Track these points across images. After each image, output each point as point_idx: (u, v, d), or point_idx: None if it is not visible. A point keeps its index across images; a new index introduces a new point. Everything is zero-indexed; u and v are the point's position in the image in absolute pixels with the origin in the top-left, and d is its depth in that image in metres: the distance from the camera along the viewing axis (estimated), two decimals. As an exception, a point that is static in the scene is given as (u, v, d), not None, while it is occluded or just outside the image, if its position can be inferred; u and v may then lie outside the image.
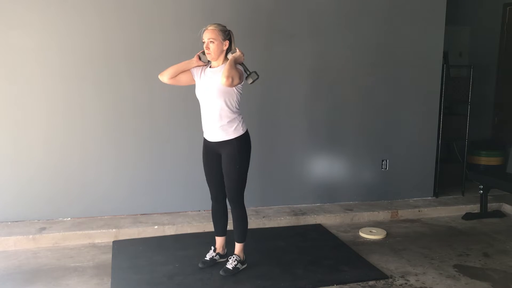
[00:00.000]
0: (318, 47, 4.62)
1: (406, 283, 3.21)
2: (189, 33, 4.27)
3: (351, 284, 3.17)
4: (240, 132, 3.18)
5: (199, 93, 3.22)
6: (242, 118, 3.23)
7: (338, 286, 3.15)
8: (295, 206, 4.75)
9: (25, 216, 4.14)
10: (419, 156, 5.07)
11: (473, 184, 5.26)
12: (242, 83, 3.12)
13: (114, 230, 4.00)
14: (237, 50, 3.11)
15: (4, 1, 3.87)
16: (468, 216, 4.70)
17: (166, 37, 4.24)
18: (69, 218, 4.24)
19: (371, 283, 3.20)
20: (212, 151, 3.24)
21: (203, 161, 3.34)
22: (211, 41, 3.07)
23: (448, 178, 5.38)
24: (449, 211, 4.85)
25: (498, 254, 3.77)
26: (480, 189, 4.71)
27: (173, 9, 4.23)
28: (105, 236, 3.97)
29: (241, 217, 3.29)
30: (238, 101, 3.17)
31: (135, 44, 4.19)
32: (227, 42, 3.12)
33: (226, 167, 3.20)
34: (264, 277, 3.25)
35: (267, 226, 4.31)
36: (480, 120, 6.15)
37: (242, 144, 3.20)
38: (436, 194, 5.18)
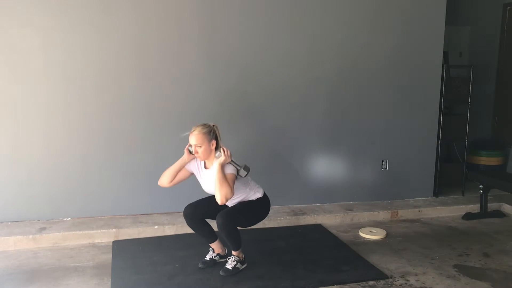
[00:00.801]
0: (318, 47, 4.62)
1: (406, 283, 3.21)
2: (189, 32, 4.28)
3: (351, 284, 3.17)
4: (257, 196, 3.29)
5: (205, 190, 3.32)
6: (254, 186, 3.31)
7: (338, 286, 3.15)
8: (295, 206, 4.75)
9: (25, 216, 4.14)
10: (419, 156, 5.07)
11: (473, 184, 5.26)
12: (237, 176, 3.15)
13: (114, 230, 4.00)
14: (222, 153, 3.09)
15: (4, 0, 3.87)
16: (468, 216, 4.70)
17: (167, 37, 4.24)
18: (69, 218, 4.24)
19: (371, 283, 3.20)
20: None
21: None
22: (198, 146, 3.12)
23: (448, 178, 5.38)
24: (449, 211, 4.85)
25: (498, 254, 3.77)
26: (480, 189, 4.70)
27: (173, 9, 4.23)
28: (105, 236, 3.97)
29: (232, 233, 3.19)
30: (244, 182, 3.23)
31: (135, 44, 4.18)
32: (214, 142, 3.16)
33: (239, 203, 3.25)
34: (264, 277, 3.25)
35: (267, 226, 4.31)
36: (480, 120, 6.15)
37: (259, 202, 3.29)
38: (436, 194, 5.18)
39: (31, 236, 3.81)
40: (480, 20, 6.27)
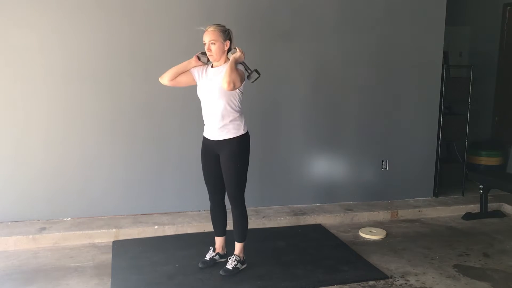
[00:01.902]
0: (318, 47, 4.62)
1: (406, 283, 3.21)
2: (189, 32, 4.27)
3: (351, 284, 3.17)
4: (241, 131, 3.19)
5: (201, 93, 3.22)
6: (244, 118, 3.24)
7: (338, 286, 3.15)
8: (295, 206, 4.75)
9: (25, 216, 4.14)
10: (419, 156, 5.07)
11: (473, 184, 5.26)
12: (243, 83, 3.12)
13: (114, 230, 4.00)
14: (237, 50, 3.10)
15: (4, 1, 3.87)
16: (468, 216, 4.70)
17: (166, 37, 4.24)
18: (69, 218, 4.24)
19: (371, 283, 3.20)
20: (211, 150, 3.24)
21: (202, 161, 3.34)
22: (212, 43, 3.07)
23: (448, 178, 5.38)
24: (449, 211, 4.85)
25: (498, 254, 3.77)
26: (480, 189, 4.70)
27: (173, 9, 4.23)
28: (105, 236, 3.97)
29: (241, 217, 3.29)
30: (240, 100, 3.18)
31: (135, 45, 4.19)
32: (228, 42, 3.12)
33: (226, 166, 3.20)
34: (264, 277, 3.25)
35: (267, 226, 4.31)
36: (480, 120, 6.15)
37: (242, 143, 3.20)
38: (436, 194, 5.18)
39: (31, 236, 3.81)
40: (480, 20, 6.27)
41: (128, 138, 4.28)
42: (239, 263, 3.30)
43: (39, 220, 4.16)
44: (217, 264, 3.41)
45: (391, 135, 4.96)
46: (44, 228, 3.97)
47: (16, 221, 4.11)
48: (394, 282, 3.22)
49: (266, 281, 3.19)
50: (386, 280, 3.24)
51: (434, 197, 5.17)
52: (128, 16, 4.14)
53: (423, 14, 4.87)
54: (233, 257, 3.31)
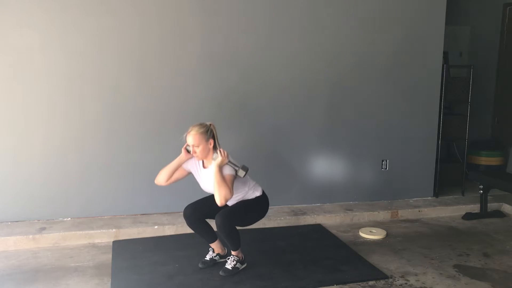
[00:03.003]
0: (318, 47, 4.62)
1: (406, 283, 3.21)
2: (190, 32, 4.28)
3: (351, 284, 3.17)
4: (256, 194, 3.29)
5: (204, 189, 3.31)
6: (253, 185, 3.30)
7: (338, 286, 3.15)
8: (295, 206, 4.75)
9: (25, 216, 4.14)
10: (419, 156, 5.07)
11: (473, 184, 5.26)
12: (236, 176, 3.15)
13: (114, 230, 4.00)
14: (219, 154, 3.08)
15: (5, 1, 3.87)
16: (468, 216, 4.70)
17: (167, 37, 4.24)
18: (69, 218, 4.24)
19: (371, 283, 3.20)
20: None
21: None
22: (195, 146, 3.11)
23: (448, 178, 5.38)
24: (449, 211, 4.85)
25: (498, 254, 3.77)
26: (480, 189, 4.70)
27: (173, 10, 4.22)
28: (105, 236, 3.97)
29: (231, 235, 3.19)
30: (240, 182, 3.21)
31: (135, 45, 4.18)
32: (211, 141, 3.16)
33: (237, 203, 3.25)
34: (264, 277, 3.25)
35: (267, 226, 4.31)
36: (480, 120, 6.15)
37: (258, 201, 3.29)
38: (436, 194, 5.18)
39: (31, 236, 3.81)
40: (480, 20, 6.26)
41: (128, 138, 4.28)
42: (238, 263, 3.30)
43: (39, 220, 4.16)
44: (217, 264, 3.41)
45: (391, 135, 4.96)
46: (44, 228, 3.97)
47: (16, 221, 4.12)
48: (394, 282, 3.22)
49: (266, 281, 3.19)
50: (386, 280, 3.24)
51: (434, 197, 5.17)
52: (130, 17, 4.14)
53: (423, 14, 4.87)
54: (232, 257, 3.31)
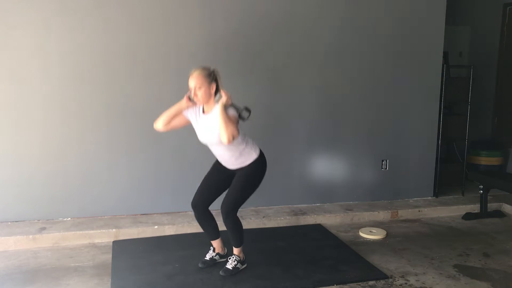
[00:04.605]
0: (318, 47, 4.62)
1: (406, 283, 3.21)
2: (188, 32, 4.28)
3: (351, 284, 3.17)
4: (254, 156, 3.23)
5: (201, 139, 3.24)
6: (250, 140, 3.26)
7: (338, 286, 3.15)
8: (295, 206, 4.75)
9: (25, 216, 4.14)
10: (419, 156, 5.07)
11: (473, 184, 5.26)
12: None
13: (114, 230, 4.00)
14: (223, 94, 3.04)
15: (3, 1, 3.87)
16: (468, 216, 4.70)
17: (165, 39, 4.24)
18: (69, 218, 4.24)
19: (371, 283, 3.20)
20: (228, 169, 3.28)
21: (213, 167, 3.35)
22: (197, 88, 3.06)
23: (448, 178, 5.38)
24: (449, 211, 4.85)
25: (498, 254, 3.77)
26: (480, 189, 4.70)
27: (172, 11, 4.22)
28: (105, 236, 3.97)
29: (235, 226, 3.22)
30: (240, 132, 3.17)
31: (133, 46, 4.18)
32: (213, 85, 3.09)
33: (237, 180, 3.22)
34: (264, 277, 3.25)
35: (267, 226, 4.31)
36: (480, 120, 6.15)
37: (259, 167, 3.26)
38: (436, 194, 5.18)
39: (31, 236, 3.81)
40: (480, 20, 6.27)
41: (128, 138, 4.28)
42: (239, 263, 3.31)
43: (39, 220, 4.16)
44: (217, 264, 3.41)
45: (391, 135, 4.96)
46: (44, 228, 3.97)
47: (16, 221, 4.12)
48: (394, 282, 3.22)
49: (266, 281, 3.19)
50: (386, 280, 3.24)
51: (434, 197, 5.17)
52: (126, 18, 4.14)
53: (423, 14, 4.87)
54: (232, 257, 3.31)
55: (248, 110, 3.09)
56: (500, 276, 3.35)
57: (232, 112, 3.05)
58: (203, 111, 3.19)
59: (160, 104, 4.28)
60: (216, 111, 3.05)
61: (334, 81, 4.72)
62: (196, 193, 3.32)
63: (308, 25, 4.57)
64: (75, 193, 4.23)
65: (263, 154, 3.32)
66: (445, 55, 5.34)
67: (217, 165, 3.33)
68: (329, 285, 3.16)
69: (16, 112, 4.02)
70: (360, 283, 3.19)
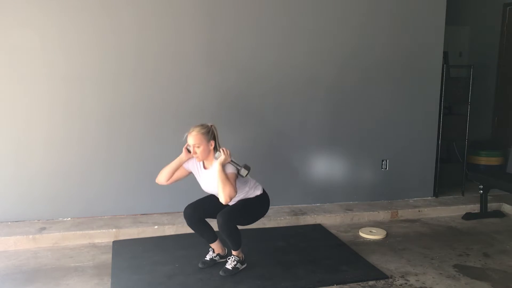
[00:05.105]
0: (318, 47, 4.62)
1: (406, 283, 3.21)
2: (189, 33, 4.28)
3: (351, 284, 3.17)
4: (257, 193, 3.28)
5: (205, 190, 3.30)
6: (252, 182, 3.28)
7: (338, 286, 3.15)
8: (295, 206, 4.75)
9: (25, 216, 4.14)
10: (419, 156, 5.07)
11: (473, 184, 5.26)
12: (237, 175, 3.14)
13: (114, 230, 4.00)
14: (221, 153, 3.08)
15: (5, 0, 3.87)
16: (468, 216, 4.70)
17: (166, 37, 4.24)
18: (69, 218, 4.24)
19: (371, 283, 3.20)
20: None
21: None
22: (196, 146, 3.10)
23: (448, 178, 5.38)
24: (449, 211, 4.85)
25: (498, 254, 3.77)
26: (480, 189, 4.70)
27: (172, 10, 4.23)
28: (105, 236, 3.97)
29: (233, 232, 3.19)
30: (241, 182, 3.20)
31: (135, 45, 4.18)
32: (212, 142, 3.15)
33: (238, 201, 3.23)
34: (264, 277, 3.25)
35: (267, 226, 4.31)
36: (480, 120, 6.15)
37: (259, 198, 3.28)
38: (436, 194, 5.18)
39: (31, 236, 3.81)
40: (480, 20, 6.27)
41: (128, 138, 4.28)
42: (238, 263, 3.30)
43: (39, 220, 4.16)
44: (217, 264, 3.41)
45: (391, 135, 4.96)
46: (44, 228, 3.97)
47: (16, 221, 4.12)
48: (394, 282, 3.22)
49: (266, 281, 3.19)
50: (386, 280, 3.24)
51: (434, 197, 5.17)
52: (130, 18, 4.14)
53: (423, 14, 4.87)
54: (232, 257, 3.31)
55: (247, 167, 3.13)
56: (500, 276, 3.35)
57: (230, 169, 3.09)
58: (204, 166, 3.26)
59: (161, 105, 4.31)
60: (215, 169, 3.10)
61: (333, 81, 4.72)
62: (191, 204, 3.30)
63: (308, 25, 4.57)
64: (75, 193, 4.23)
65: (266, 193, 3.36)
66: (445, 55, 5.34)
67: None
68: (329, 285, 3.16)
69: (17, 112, 4.02)
70: (360, 283, 3.19)
